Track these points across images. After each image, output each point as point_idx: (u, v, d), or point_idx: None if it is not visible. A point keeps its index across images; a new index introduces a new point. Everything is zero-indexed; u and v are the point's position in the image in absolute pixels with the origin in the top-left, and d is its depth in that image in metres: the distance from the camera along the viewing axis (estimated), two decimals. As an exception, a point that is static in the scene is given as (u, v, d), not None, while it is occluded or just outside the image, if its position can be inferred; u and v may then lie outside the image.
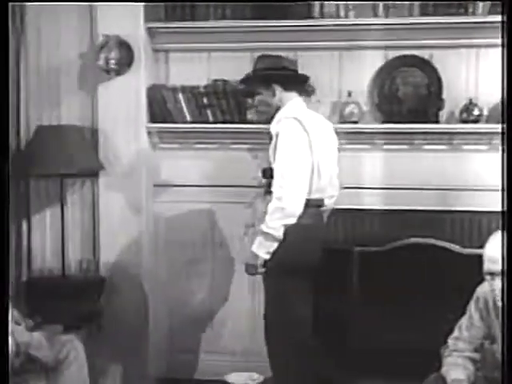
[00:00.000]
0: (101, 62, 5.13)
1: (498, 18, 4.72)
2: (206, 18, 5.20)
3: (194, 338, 5.37)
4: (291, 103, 4.40)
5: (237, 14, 5.18)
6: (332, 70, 5.19)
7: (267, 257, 4.16)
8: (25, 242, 5.43)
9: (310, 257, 4.32)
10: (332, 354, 4.44)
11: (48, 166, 5.06)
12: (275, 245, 4.13)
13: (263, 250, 4.15)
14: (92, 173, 5.24)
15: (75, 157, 5.04)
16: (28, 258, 5.43)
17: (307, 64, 5.00)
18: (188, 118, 5.23)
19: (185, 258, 5.36)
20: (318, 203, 4.36)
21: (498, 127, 4.77)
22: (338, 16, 5.11)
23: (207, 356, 5.21)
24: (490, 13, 4.87)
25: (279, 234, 4.11)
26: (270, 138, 4.34)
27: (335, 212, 4.66)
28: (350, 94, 5.13)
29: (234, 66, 5.15)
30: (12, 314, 4.20)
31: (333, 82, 5.19)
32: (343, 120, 5.11)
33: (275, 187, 4.12)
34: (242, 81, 4.64)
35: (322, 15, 5.12)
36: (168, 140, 5.29)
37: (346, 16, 5.11)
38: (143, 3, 5.12)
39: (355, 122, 5.10)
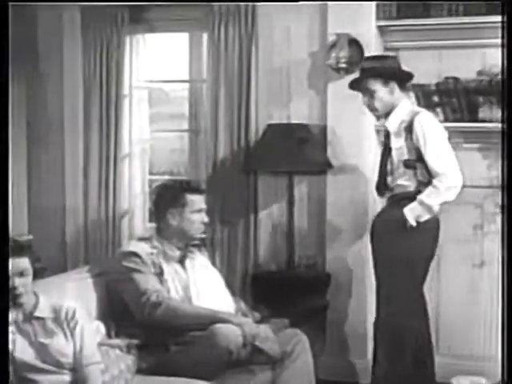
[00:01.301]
0: (331, 61, 5.16)
1: None
2: (439, 15, 5.11)
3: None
4: (406, 101, 4.68)
5: (470, 10, 5.06)
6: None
7: (414, 224, 4.43)
8: (252, 237, 5.53)
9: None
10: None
11: (277, 163, 5.17)
12: (427, 216, 4.44)
13: (414, 215, 4.44)
14: (320, 170, 5.28)
15: (303, 154, 5.12)
16: (255, 252, 5.53)
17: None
18: (418, 116, 5.16)
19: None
20: None
21: None
22: None
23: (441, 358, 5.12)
24: None
25: (436, 208, 4.46)
26: (387, 135, 4.60)
27: None
28: None
29: (466, 64, 5.05)
30: (239, 306, 4.32)
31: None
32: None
33: (442, 171, 4.41)
34: (355, 80, 4.73)
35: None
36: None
37: None
38: (375, 1, 5.12)
39: None
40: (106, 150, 5.86)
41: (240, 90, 5.48)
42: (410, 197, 4.48)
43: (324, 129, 5.30)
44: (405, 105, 4.63)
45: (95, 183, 5.91)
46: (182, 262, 4.21)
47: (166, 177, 6.07)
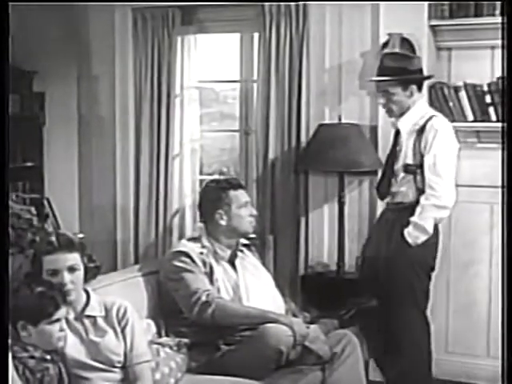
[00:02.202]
0: (383, 61, 5.13)
1: None
2: (491, 14, 5.04)
3: (473, 342, 5.24)
4: (422, 102, 4.69)
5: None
6: None
7: (413, 245, 4.43)
8: (302, 237, 5.52)
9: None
10: None
11: (328, 163, 5.15)
12: (424, 237, 4.42)
13: (412, 239, 4.43)
14: (371, 171, 5.24)
15: (354, 155, 5.10)
16: (305, 252, 5.51)
17: None
18: (469, 116, 5.10)
19: (463, 258, 5.23)
20: None
21: None
22: None
23: (482, 360, 5.06)
24: None
25: (431, 228, 4.41)
26: (397, 135, 4.61)
27: None
28: None
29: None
30: (289, 306, 4.32)
31: None
32: None
33: (432, 183, 4.39)
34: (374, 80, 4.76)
35: None
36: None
37: None
38: (427, 1, 5.07)
39: None
40: (157, 150, 5.90)
41: (291, 89, 5.47)
42: (408, 208, 4.46)
43: (375, 129, 5.27)
44: (420, 106, 4.63)
45: (146, 183, 5.95)
46: (232, 261, 4.22)
47: (216, 176, 6.08)
